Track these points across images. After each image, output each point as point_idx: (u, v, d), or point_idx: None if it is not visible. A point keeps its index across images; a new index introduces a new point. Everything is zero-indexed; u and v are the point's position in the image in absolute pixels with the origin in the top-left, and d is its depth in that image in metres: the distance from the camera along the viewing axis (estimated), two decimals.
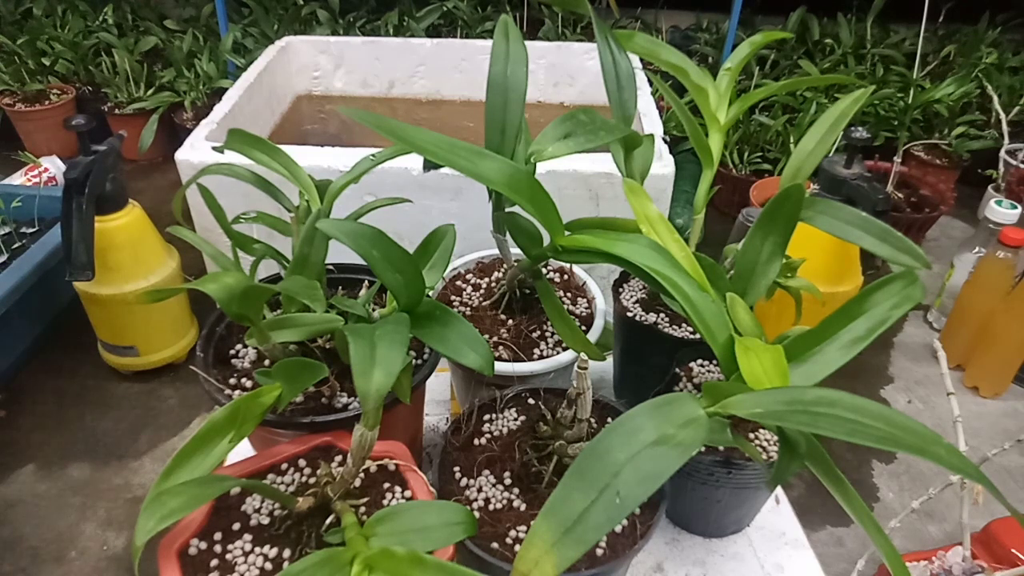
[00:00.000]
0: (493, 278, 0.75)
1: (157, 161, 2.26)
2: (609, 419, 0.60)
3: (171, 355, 1.43)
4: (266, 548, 0.46)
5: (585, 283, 0.76)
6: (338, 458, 0.52)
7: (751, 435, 0.61)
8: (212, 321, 0.61)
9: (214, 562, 0.45)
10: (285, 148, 0.61)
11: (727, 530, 0.67)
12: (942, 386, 0.74)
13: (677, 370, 0.66)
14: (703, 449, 0.58)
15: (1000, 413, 1.44)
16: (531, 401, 0.61)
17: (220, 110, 1.36)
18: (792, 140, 2.02)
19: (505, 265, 0.71)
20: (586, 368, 0.49)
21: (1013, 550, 0.88)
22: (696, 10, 2.57)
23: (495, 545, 0.49)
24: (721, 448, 0.58)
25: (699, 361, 0.67)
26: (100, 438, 1.32)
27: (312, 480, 0.51)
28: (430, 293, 0.54)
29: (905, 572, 0.35)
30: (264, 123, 1.59)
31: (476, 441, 0.58)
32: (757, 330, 0.49)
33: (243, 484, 0.44)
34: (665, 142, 1.24)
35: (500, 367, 0.63)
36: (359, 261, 0.48)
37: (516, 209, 0.56)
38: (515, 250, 0.63)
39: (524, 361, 0.65)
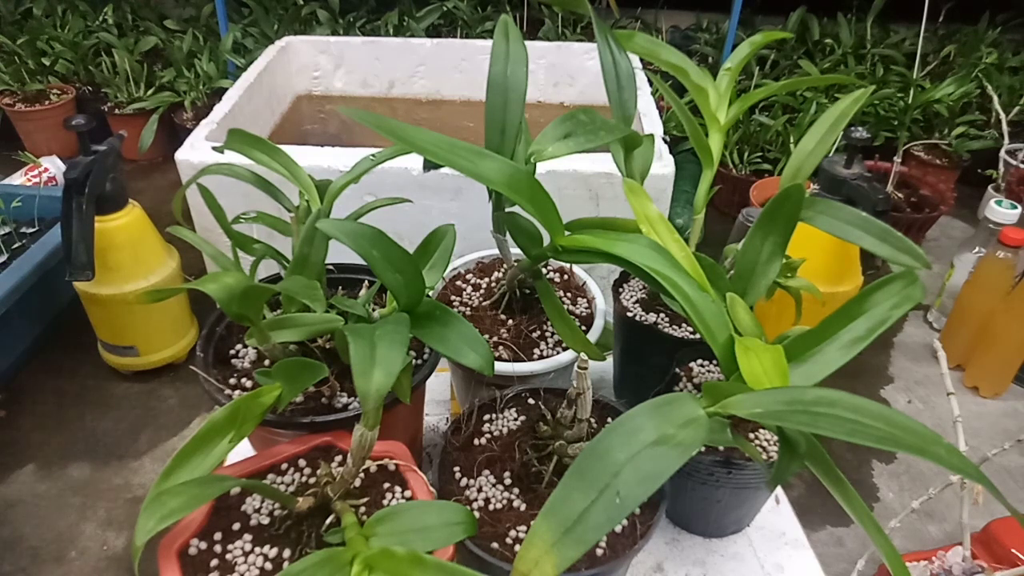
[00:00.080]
0: (493, 278, 0.75)
1: (157, 161, 2.26)
2: (609, 419, 0.60)
3: (171, 355, 1.43)
4: (266, 548, 0.46)
5: (585, 283, 0.76)
6: (338, 458, 0.52)
7: (751, 435, 0.61)
8: (212, 321, 0.61)
9: (214, 562, 0.45)
10: (285, 148, 0.61)
11: (727, 530, 0.67)
12: (942, 386, 0.74)
13: (677, 370, 0.66)
14: (703, 449, 0.58)
15: (1000, 413, 1.44)
16: (531, 401, 0.61)
17: (220, 110, 1.36)
18: (792, 140, 2.02)
19: (505, 265, 0.71)
20: (586, 368, 0.49)
21: (1013, 550, 0.88)
22: (696, 10, 2.57)
23: (495, 545, 0.49)
24: (721, 448, 0.58)
25: (699, 361, 0.67)
26: (100, 438, 1.32)
27: (312, 480, 0.51)
28: (430, 293, 0.54)
29: (905, 572, 0.35)
30: (264, 123, 1.59)
31: (476, 441, 0.58)
32: (757, 330, 0.49)
33: (243, 484, 0.44)
34: (665, 142, 1.24)
35: (500, 367, 0.63)
36: (359, 261, 0.48)
37: (516, 209, 0.56)
38: (515, 250, 0.63)
39: (524, 361, 0.65)
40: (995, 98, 1.98)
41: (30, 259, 1.36)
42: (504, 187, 0.48)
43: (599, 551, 0.50)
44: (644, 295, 0.74)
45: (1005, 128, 1.95)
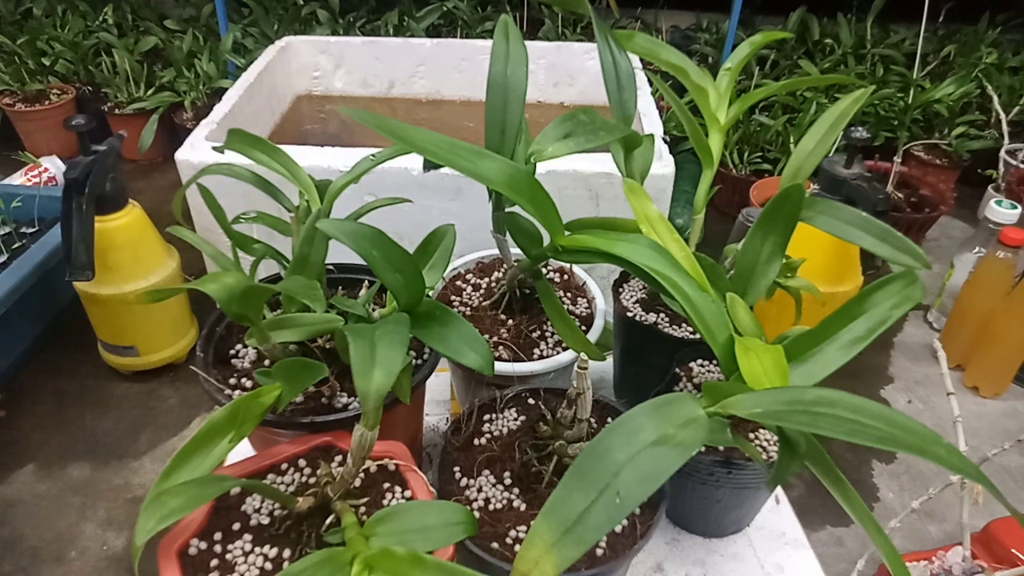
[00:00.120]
0: (493, 278, 0.75)
1: (157, 161, 2.26)
2: (609, 419, 0.60)
3: (171, 355, 1.43)
4: (266, 548, 0.46)
5: (585, 283, 0.76)
6: (338, 458, 0.52)
7: (751, 435, 0.61)
8: (212, 321, 0.61)
9: (214, 562, 0.45)
10: (285, 148, 0.61)
11: (727, 530, 0.67)
12: (942, 386, 0.74)
13: (677, 370, 0.66)
14: (703, 449, 0.58)
15: (1000, 413, 1.44)
16: (531, 401, 0.61)
17: (220, 110, 1.36)
18: (792, 140, 2.02)
19: (505, 265, 0.71)
20: (586, 368, 0.49)
21: (1013, 550, 0.88)
22: (696, 10, 2.57)
23: (495, 545, 0.49)
24: (721, 448, 0.58)
25: (699, 361, 0.67)
26: (100, 438, 1.32)
27: (312, 480, 0.51)
28: (430, 293, 0.54)
29: (905, 572, 0.35)
30: (264, 123, 1.59)
31: (476, 441, 0.58)
32: (757, 330, 0.49)
33: (243, 484, 0.44)
34: (665, 142, 1.24)
35: (500, 367, 0.63)
36: (359, 261, 0.48)
37: (516, 209, 0.56)
38: (515, 250, 0.63)
39: (524, 361, 0.65)
40: (995, 98, 1.98)
41: (30, 259, 1.36)
42: (504, 187, 0.48)
43: (599, 551, 0.50)
44: (644, 295, 0.74)
45: (1005, 128, 1.95)
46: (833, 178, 1.11)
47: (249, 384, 0.57)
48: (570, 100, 1.83)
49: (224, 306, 0.47)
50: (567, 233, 0.53)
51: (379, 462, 0.52)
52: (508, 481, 0.54)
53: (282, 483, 0.51)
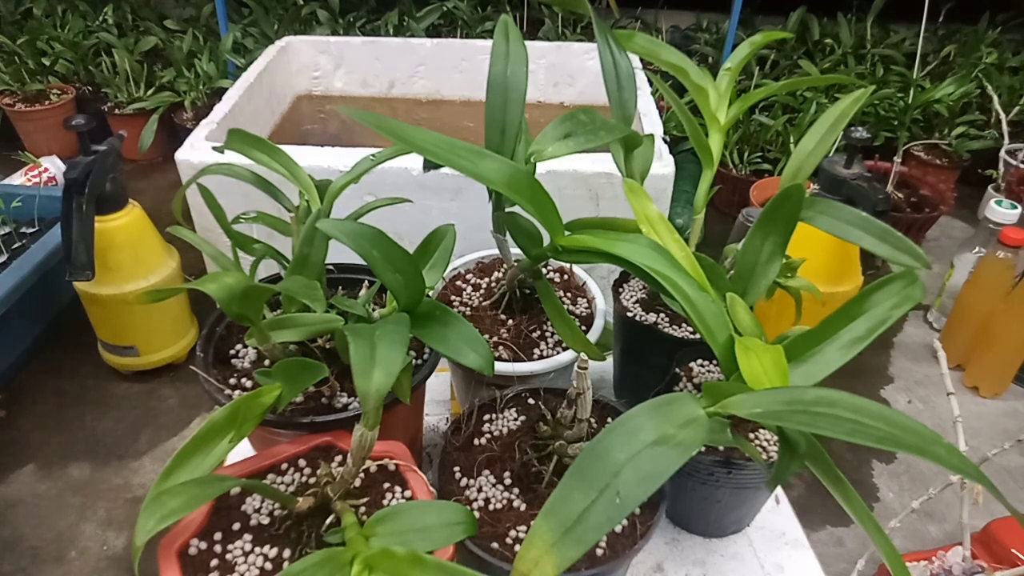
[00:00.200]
0: (493, 278, 0.75)
1: (157, 161, 2.26)
2: (609, 419, 0.60)
3: (171, 355, 1.43)
4: (266, 548, 0.46)
5: (585, 283, 0.76)
6: (338, 458, 0.52)
7: (751, 435, 0.61)
8: (212, 321, 0.61)
9: (214, 562, 0.45)
10: (285, 148, 0.61)
11: (727, 530, 0.67)
12: (942, 386, 0.74)
13: (677, 370, 0.66)
14: (703, 449, 0.58)
15: (1000, 413, 1.44)
16: (531, 401, 0.61)
17: (220, 110, 1.36)
18: (792, 140, 2.02)
19: (505, 265, 0.71)
20: (586, 368, 0.49)
21: (1013, 550, 0.88)
22: (696, 10, 2.57)
23: (495, 545, 0.49)
24: (721, 448, 0.58)
25: (699, 361, 0.67)
26: (100, 438, 1.32)
27: (312, 480, 0.51)
28: (430, 293, 0.54)
29: (905, 572, 0.35)
30: (264, 123, 1.59)
31: (476, 441, 0.58)
32: (757, 330, 0.49)
33: (243, 484, 0.44)
34: (665, 142, 1.24)
35: (500, 367, 0.63)
36: (359, 261, 0.48)
37: (516, 209, 0.56)
38: (515, 250, 0.63)
39: (524, 361, 0.65)
40: (995, 98, 1.98)
41: (30, 259, 1.36)
42: (504, 187, 0.48)
43: (599, 551, 0.50)
44: (644, 295, 0.74)
45: (1005, 128, 1.95)
46: (833, 178, 1.11)
47: (249, 384, 0.57)
48: (570, 100, 1.83)
49: (224, 306, 0.47)
50: (567, 233, 0.53)
51: (379, 462, 0.52)
52: (508, 481, 0.54)
53: (282, 483, 0.51)
